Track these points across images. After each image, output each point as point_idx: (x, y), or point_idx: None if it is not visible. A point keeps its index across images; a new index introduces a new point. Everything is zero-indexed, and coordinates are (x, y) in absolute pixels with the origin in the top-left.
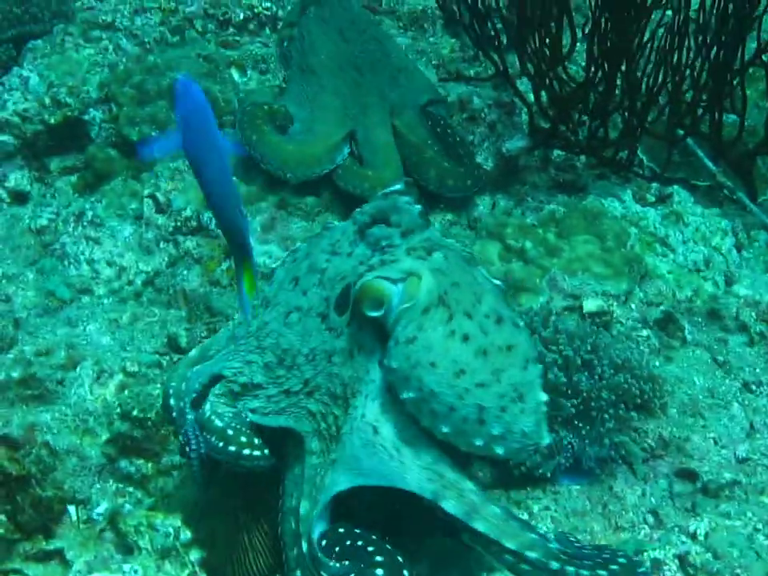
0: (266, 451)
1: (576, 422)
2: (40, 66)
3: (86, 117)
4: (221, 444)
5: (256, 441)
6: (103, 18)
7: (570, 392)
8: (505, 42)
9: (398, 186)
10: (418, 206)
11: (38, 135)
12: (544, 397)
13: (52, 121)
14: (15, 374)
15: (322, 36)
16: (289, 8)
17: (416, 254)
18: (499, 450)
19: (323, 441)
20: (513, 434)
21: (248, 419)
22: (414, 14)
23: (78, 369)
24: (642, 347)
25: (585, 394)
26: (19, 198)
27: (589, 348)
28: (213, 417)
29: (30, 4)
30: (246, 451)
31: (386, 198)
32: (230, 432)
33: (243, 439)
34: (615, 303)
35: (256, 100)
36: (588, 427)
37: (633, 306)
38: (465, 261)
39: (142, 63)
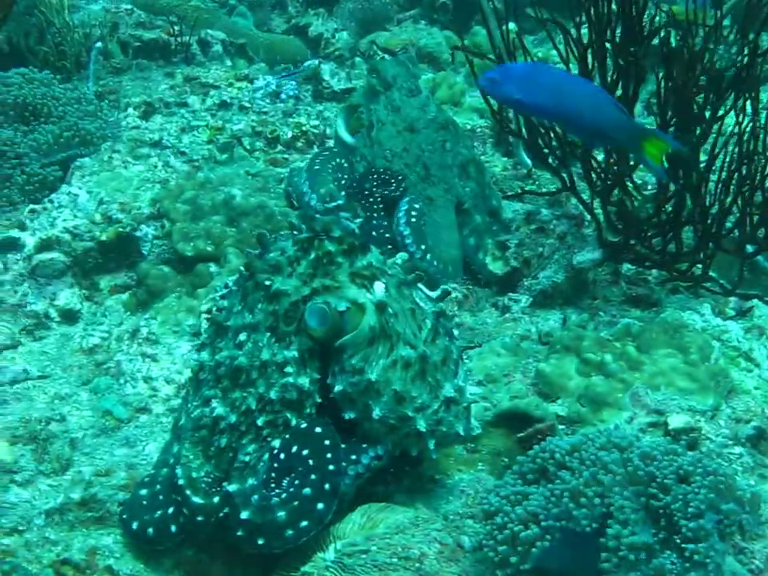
0: None
1: (679, 543)
2: (89, 183)
3: (138, 233)
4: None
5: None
6: (150, 136)
7: (668, 512)
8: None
9: (339, 201)
10: (359, 220)
11: (88, 252)
12: (473, 390)
13: (103, 237)
14: (75, 496)
15: (391, 127)
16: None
17: (359, 282)
18: (435, 456)
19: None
20: (448, 438)
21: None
22: (464, 132)
23: None
24: (734, 465)
25: (680, 517)
26: (69, 316)
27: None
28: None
29: (78, 128)
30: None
31: (328, 214)
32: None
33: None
34: (702, 419)
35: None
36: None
37: (721, 422)
38: (405, 285)
39: (194, 179)
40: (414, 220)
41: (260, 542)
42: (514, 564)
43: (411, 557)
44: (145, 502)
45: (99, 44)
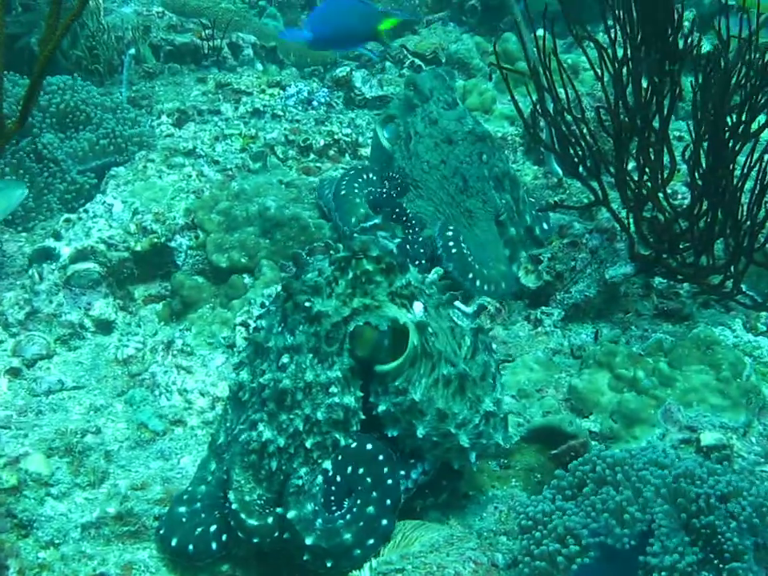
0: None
1: (717, 563)
2: (124, 192)
3: (173, 244)
4: None
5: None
6: (184, 144)
7: (708, 532)
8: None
9: (376, 220)
10: (397, 240)
11: (124, 263)
12: (508, 401)
13: (138, 248)
14: (111, 510)
15: (428, 140)
16: (369, 131)
17: (399, 302)
18: (474, 467)
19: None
20: (488, 449)
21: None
22: (499, 146)
23: None
24: (766, 483)
25: (721, 537)
26: (104, 326)
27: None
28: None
29: (114, 136)
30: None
31: (366, 233)
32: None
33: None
34: (734, 436)
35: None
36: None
37: (753, 439)
38: (442, 305)
39: (229, 189)
40: (454, 251)
41: (329, 564)
42: None
43: None
44: (184, 519)
45: (132, 50)
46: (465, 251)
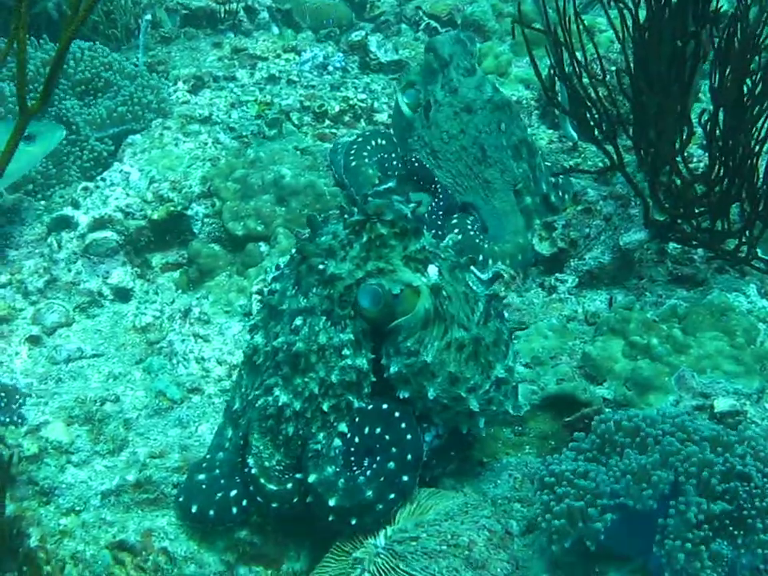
0: None
1: (732, 530)
2: (140, 161)
3: (189, 212)
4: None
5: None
6: (200, 111)
7: (727, 497)
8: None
9: (390, 184)
10: (412, 205)
11: (141, 231)
12: (521, 369)
13: (155, 216)
14: (130, 478)
15: (448, 108)
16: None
17: (413, 266)
18: (483, 433)
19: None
20: (496, 416)
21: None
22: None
23: None
24: None
25: (741, 501)
26: (122, 294)
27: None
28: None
29: (132, 104)
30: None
31: (381, 197)
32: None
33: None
34: (748, 402)
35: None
36: (743, 535)
37: (767, 405)
38: (459, 268)
39: (244, 157)
40: (459, 236)
41: (353, 522)
42: (569, 538)
43: (461, 544)
44: (204, 486)
45: (149, 15)
46: (471, 233)
